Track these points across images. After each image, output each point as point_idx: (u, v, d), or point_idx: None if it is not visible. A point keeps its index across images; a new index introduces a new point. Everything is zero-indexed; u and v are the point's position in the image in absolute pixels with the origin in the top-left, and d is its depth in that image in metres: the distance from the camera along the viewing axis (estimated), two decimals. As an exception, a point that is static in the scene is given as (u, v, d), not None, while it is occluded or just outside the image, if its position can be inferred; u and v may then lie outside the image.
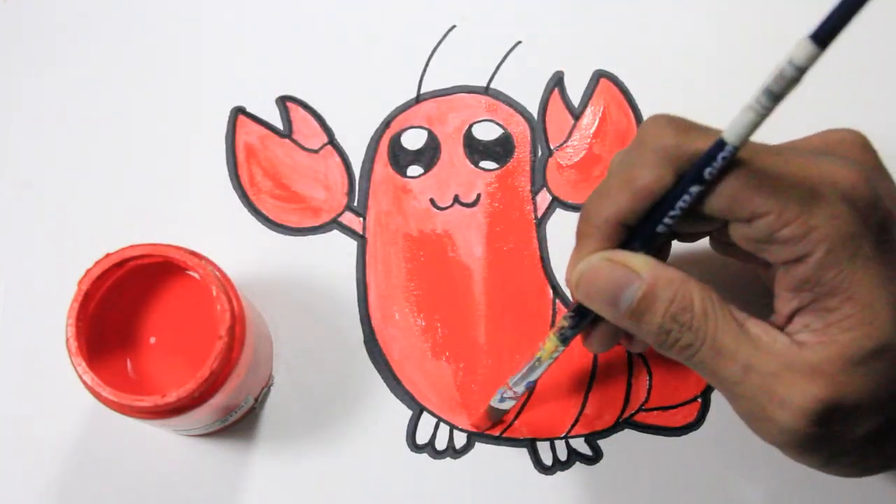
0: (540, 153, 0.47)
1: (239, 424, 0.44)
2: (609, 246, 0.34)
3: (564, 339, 0.38)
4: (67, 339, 0.37)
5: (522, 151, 0.47)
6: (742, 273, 0.40)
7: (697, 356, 0.33)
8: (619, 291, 0.33)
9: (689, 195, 0.32)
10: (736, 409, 0.34)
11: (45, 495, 0.43)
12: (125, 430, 0.43)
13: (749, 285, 0.39)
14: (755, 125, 0.29)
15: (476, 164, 0.47)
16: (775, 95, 0.27)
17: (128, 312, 0.40)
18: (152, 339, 0.40)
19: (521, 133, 0.48)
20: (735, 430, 0.44)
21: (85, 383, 0.37)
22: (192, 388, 0.36)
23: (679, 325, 0.33)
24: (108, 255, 0.38)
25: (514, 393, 0.41)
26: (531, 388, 0.42)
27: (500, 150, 0.47)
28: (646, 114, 0.48)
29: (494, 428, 0.44)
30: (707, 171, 0.31)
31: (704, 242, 0.39)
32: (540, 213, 0.47)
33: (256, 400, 0.43)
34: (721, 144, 0.30)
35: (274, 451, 0.44)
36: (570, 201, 0.47)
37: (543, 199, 0.47)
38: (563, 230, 0.46)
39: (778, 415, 0.32)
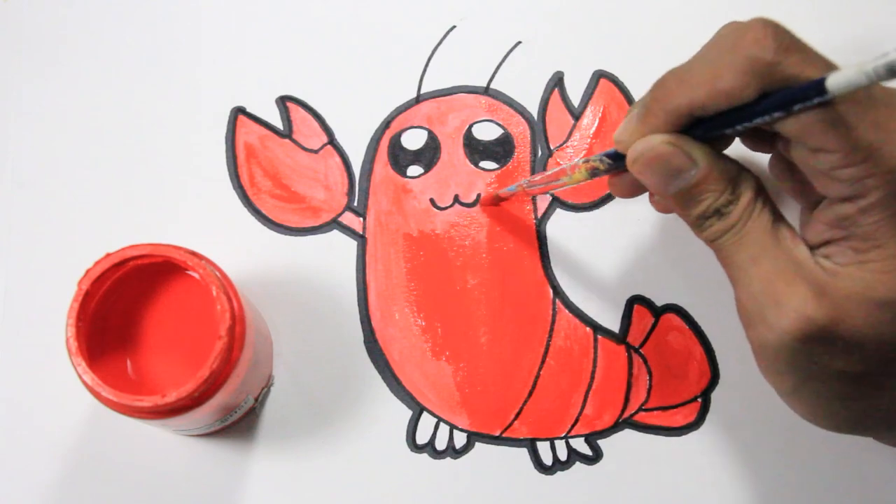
0: (540, 153, 0.47)
1: (239, 424, 0.44)
2: (672, 129, 0.34)
3: (594, 175, 0.38)
4: (67, 339, 0.37)
5: (522, 152, 0.47)
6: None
7: (720, 240, 0.34)
8: (674, 175, 0.33)
9: (770, 117, 0.31)
10: (737, 300, 0.34)
11: (45, 495, 0.43)
12: (125, 430, 0.43)
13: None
14: (860, 87, 0.28)
15: (476, 165, 0.47)
16: (894, 72, 0.27)
17: (128, 312, 0.40)
18: (152, 340, 0.40)
19: (521, 133, 0.48)
20: (735, 430, 0.44)
21: (85, 383, 0.37)
22: (192, 388, 0.36)
23: (719, 216, 0.33)
24: (108, 255, 0.38)
25: (522, 188, 0.42)
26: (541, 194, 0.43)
27: (500, 150, 0.47)
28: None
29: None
30: (796, 105, 0.30)
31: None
32: (540, 213, 0.47)
33: (256, 400, 0.43)
34: (821, 88, 0.29)
35: (274, 451, 0.44)
36: (570, 201, 0.47)
37: (543, 199, 0.47)
38: (563, 230, 0.46)
39: (772, 314, 0.32)
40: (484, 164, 0.47)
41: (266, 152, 0.47)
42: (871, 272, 0.31)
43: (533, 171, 0.47)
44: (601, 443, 0.44)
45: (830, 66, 0.31)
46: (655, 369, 0.45)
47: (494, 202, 0.46)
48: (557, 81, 0.48)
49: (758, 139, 0.36)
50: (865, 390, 0.34)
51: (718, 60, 0.32)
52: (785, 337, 0.32)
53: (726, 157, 0.34)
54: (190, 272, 0.39)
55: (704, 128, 0.33)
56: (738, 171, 0.33)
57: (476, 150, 0.47)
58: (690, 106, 0.33)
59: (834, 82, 0.29)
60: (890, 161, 0.31)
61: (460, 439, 0.44)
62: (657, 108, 0.34)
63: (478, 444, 0.44)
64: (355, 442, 0.44)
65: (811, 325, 0.31)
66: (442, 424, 0.44)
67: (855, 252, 0.32)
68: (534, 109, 0.48)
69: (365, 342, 0.45)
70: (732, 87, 0.31)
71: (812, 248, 0.33)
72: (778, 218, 0.34)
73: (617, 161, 0.36)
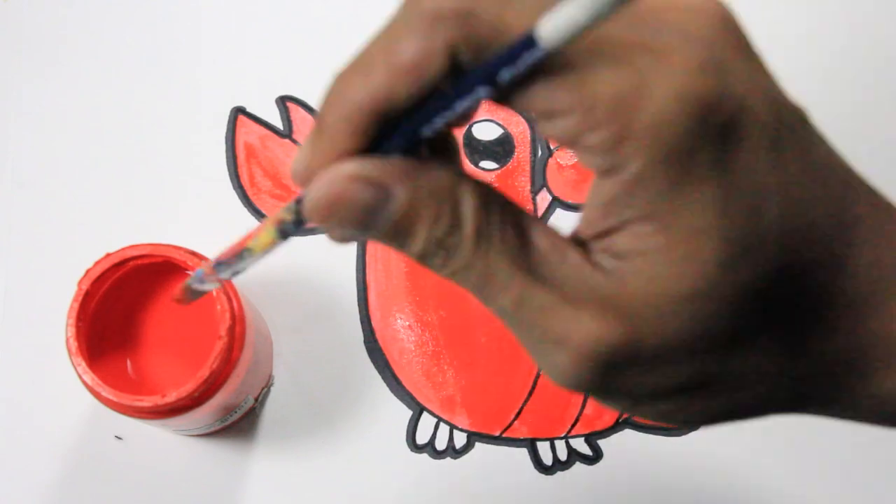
0: (540, 153, 0.47)
1: (239, 424, 0.44)
2: (358, 142, 0.25)
3: (285, 235, 0.28)
4: (67, 339, 0.37)
5: (522, 151, 0.47)
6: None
7: (467, 284, 0.26)
8: (370, 217, 0.24)
9: (473, 95, 0.22)
10: (520, 342, 0.26)
11: (45, 495, 0.43)
12: (125, 430, 0.43)
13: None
14: (585, 30, 0.20)
15: (476, 164, 0.47)
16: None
17: (128, 312, 0.40)
18: (152, 340, 0.40)
19: (521, 133, 0.48)
20: (735, 430, 0.44)
21: (85, 383, 0.37)
22: (192, 388, 0.36)
23: (445, 251, 0.25)
24: (108, 255, 0.38)
25: (218, 278, 0.31)
26: (229, 277, 0.32)
27: (500, 150, 0.47)
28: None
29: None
30: (503, 73, 0.21)
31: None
32: (540, 214, 0.47)
33: (256, 400, 0.43)
34: (530, 42, 0.21)
35: (274, 451, 0.44)
36: (570, 201, 0.47)
37: (543, 199, 0.47)
38: (563, 230, 0.46)
39: (554, 355, 0.25)
40: (484, 163, 0.47)
41: (266, 152, 0.47)
42: (664, 263, 0.23)
43: (533, 171, 0.47)
44: (601, 443, 0.44)
45: (542, 5, 0.22)
46: (655, 369, 0.45)
47: (186, 298, 0.33)
48: (557, 81, 0.48)
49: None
50: (712, 393, 0.26)
51: (393, 29, 0.24)
52: (580, 377, 0.25)
53: (433, 167, 0.24)
54: (190, 272, 0.39)
55: (400, 135, 0.24)
56: (454, 183, 0.24)
57: (476, 149, 0.47)
58: (372, 102, 0.24)
59: (545, 28, 0.20)
60: (646, 110, 0.22)
61: (460, 439, 0.44)
62: (332, 116, 0.25)
63: (478, 444, 0.44)
64: (355, 442, 0.44)
65: (604, 352, 0.24)
66: (442, 424, 0.44)
67: (639, 239, 0.24)
68: (534, 109, 0.48)
69: (365, 342, 0.45)
70: (412, 58, 0.23)
71: (591, 241, 0.25)
72: (529, 225, 0.25)
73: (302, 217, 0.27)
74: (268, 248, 0.29)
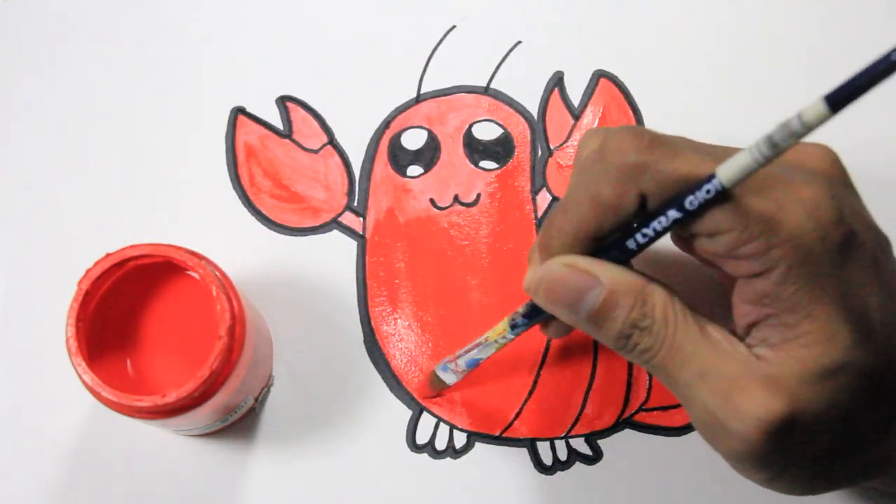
0: (540, 153, 0.47)
1: (239, 424, 0.44)
2: None
3: (514, 328, 0.38)
4: (67, 339, 0.37)
5: (522, 151, 0.47)
6: (704, 274, 0.40)
7: (655, 360, 0.32)
8: (579, 298, 0.32)
9: (667, 218, 0.31)
10: (692, 416, 0.33)
11: (45, 495, 0.43)
12: (125, 430, 0.43)
13: (711, 287, 0.39)
14: (751, 171, 0.28)
15: (476, 164, 0.47)
16: (776, 146, 0.27)
17: (128, 312, 0.40)
18: (152, 340, 0.40)
19: (521, 133, 0.48)
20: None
21: (85, 383, 0.37)
22: (192, 388, 0.36)
23: (640, 331, 0.32)
24: (108, 255, 0.38)
25: (457, 366, 0.41)
26: (473, 367, 0.42)
27: (500, 150, 0.47)
28: (645, 114, 0.48)
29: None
30: (688, 201, 0.30)
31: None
32: (540, 213, 0.47)
33: (256, 400, 0.43)
34: (710, 181, 0.29)
35: (274, 451, 0.44)
36: (570, 201, 0.47)
37: (543, 199, 0.47)
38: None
39: (733, 424, 0.31)
40: (484, 163, 0.47)
41: (266, 152, 0.47)
42: (811, 345, 0.30)
43: (533, 171, 0.47)
44: (601, 443, 0.44)
45: (701, 151, 0.31)
46: (655, 369, 0.45)
47: (434, 388, 0.44)
48: (557, 81, 0.48)
49: (680, 241, 0.35)
50: (840, 460, 0.33)
51: (592, 178, 0.32)
52: (753, 442, 0.31)
53: (630, 271, 0.33)
54: (190, 272, 0.39)
55: (609, 249, 0.33)
56: (646, 283, 0.32)
57: (476, 149, 0.47)
58: (583, 231, 0.32)
59: (723, 172, 0.29)
60: (787, 227, 0.30)
61: (460, 439, 0.44)
62: (553, 243, 0.33)
63: (478, 444, 0.44)
64: (355, 442, 0.44)
65: (777, 421, 0.30)
66: (442, 424, 0.44)
67: (787, 328, 0.31)
68: (534, 109, 0.48)
69: (365, 342, 0.45)
70: (611, 199, 0.31)
71: (745, 336, 0.32)
72: (702, 321, 0.32)
73: (534, 309, 0.36)
74: (500, 338, 0.39)
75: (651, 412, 0.44)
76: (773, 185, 0.30)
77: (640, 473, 0.44)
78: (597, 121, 0.48)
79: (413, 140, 0.47)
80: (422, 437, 0.44)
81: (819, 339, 0.30)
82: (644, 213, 0.32)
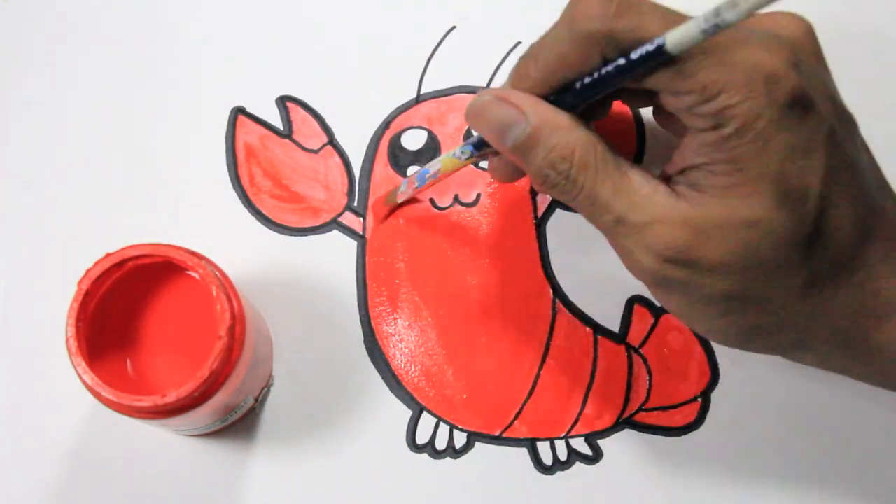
0: (540, 153, 0.47)
1: (239, 424, 0.44)
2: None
3: (464, 149, 0.40)
4: (67, 339, 0.37)
5: (522, 151, 0.47)
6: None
7: (574, 203, 0.35)
8: (506, 128, 0.35)
9: (613, 65, 0.33)
10: (613, 247, 0.36)
11: (45, 496, 0.43)
12: (125, 430, 0.43)
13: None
14: (695, 38, 0.30)
15: (476, 165, 0.47)
16: (719, 16, 0.29)
17: (128, 312, 0.40)
18: (152, 340, 0.40)
19: (521, 133, 0.48)
20: (735, 430, 0.44)
21: (85, 383, 0.37)
22: (192, 388, 0.36)
23: (556, 173, 0.34)
24: (108, 255, 0.38)
25: (411, 182, 0.44)
26: (422, 183, 0.43)
27: (500, 150, 0.47)
28: (645, 113, 0.47)
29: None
30: (634, 53, 0.32)
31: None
32: (540, 213, 0.47)
33: (256, 400, 0.43)
34: (661, 51, 0.31)
35: (274, 451, 0.44)
36: (570, 201, 0.47)
37: (543, 199, 0.47)
38: (563, 230, 0.46)
39: (640, 256, 0.34)
40: (484, 164, 0.47)
41: (266, 152, 0.47)
42: (733, 196, 0.33)
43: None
44: (601, 443, 0.44)
45: (666, 19, 0.32)
46: (655, 369, 0.45)
47: (386, 207, 0.46)
48: (557, 81, 0.48)
49: (632, 97, 0.38)
50: (747, 309, 0.35)
51: (560, 37, 0.34)
52: (657, 273, 0.34)
53: (566, 115, 0.35)
54: (190, 272, 0.39)
55: (565, 95, 0.35)
56: (572, 126, 0.34)
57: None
58: (548, 82, 0.35)
59: (671, 41, 0.31)
60: (744, 89, 0.31)
61: (460, 439, 0.44)
62: (520, 87, 0.36)
63: (478, 444, 0.44)
64: (355, 442, 0.44)
65: (675, 255, 0.33)
66: (442, 424, 0.44)
67: (716, 176, 0.33)
68: (534, 109, 0.48)
69: (365, 342, 0.45)
70: (575, 60, 0.34)
71: (676, 174, 0.35)
72: (625, 167, 0.35)
73: (481, 141, 0.38)
74: (455, 164, 0.41)
75: (651, 412, 0.44)
76: (732, 48, 0.32)
77: (640, 473, 0.44)
78: (597, 121, 0.48)
79: (413, 140, 0.47)
80: (422, 437, 0.44)
81: (743, 192, 0.32)
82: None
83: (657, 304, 0.45)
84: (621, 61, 0.33)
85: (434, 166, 0.42)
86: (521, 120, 0.34)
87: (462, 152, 0.40)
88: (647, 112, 0.47)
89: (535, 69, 0.35)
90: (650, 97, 0.35)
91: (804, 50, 0.34)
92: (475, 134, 0.38)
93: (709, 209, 0.33)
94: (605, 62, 0.33)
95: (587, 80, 0.34)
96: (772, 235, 0.33)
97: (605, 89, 0.34)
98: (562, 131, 0.34)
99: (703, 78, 0.32)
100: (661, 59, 0.32)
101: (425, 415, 0.44)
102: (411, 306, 0.45)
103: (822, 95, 0.33)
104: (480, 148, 0.39)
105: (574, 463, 0.44)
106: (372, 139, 0.48)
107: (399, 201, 0.45)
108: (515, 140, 0.35)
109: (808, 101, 0.32)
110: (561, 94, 0.35)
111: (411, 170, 0.47)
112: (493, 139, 0.36)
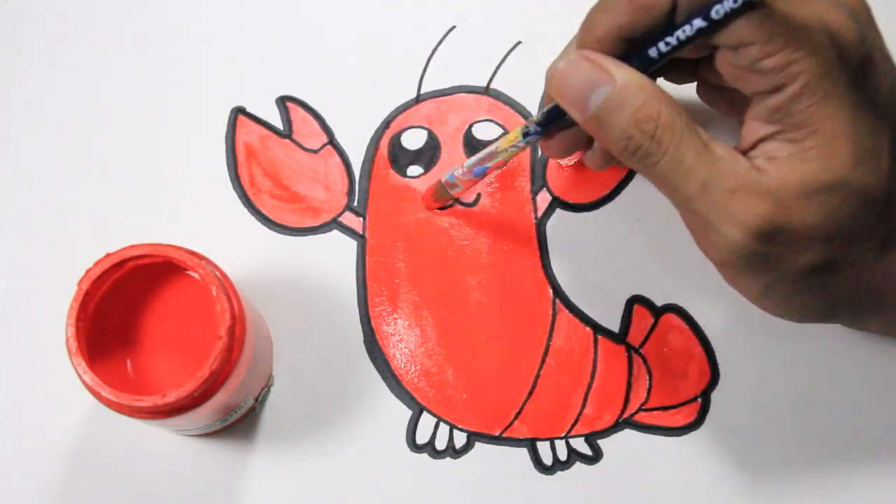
0: (540, 153, 0.47)
1: (239, 424, 0.44)
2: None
3: (526, 136, 0.39)
4: (67, 339, 0.37)
5: (523, 151, 0.47)
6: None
7: (657, 167, 0.33)
8: (590, 89, 0.33)
9: (692, 27, 0.32)
10: (687, 223, 0.35)
11: (45, 496, 0.43)
12: (125, 430, 0.43)
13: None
14: None
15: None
16: None
17: (128, 312, 0.40)
18: (152, 340, 0.40)
19: (521, 133, 0.48)
20: (735, 430, 0.44)
21: (85, 383, 0.37)
22: (192, 388, 0.36)
23: (641, 133, 0.33)
24: (108, 255, 0.38)
25: (463, 173, 0.43)
26: (480, 176, 0.43)
27: (500, 150, 0.47)
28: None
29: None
30: (714, 10, 0.31)
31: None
32: (540, 213, 0.47)
33: (256, 400, 0.43)
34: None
35: (274, 451, 0.44)
36: (570, 201, 0.47)
37: (543, 199, 0.47)
38: (563, 230, 0.46)
39: (726, 229, 0.32)
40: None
41: (266, 152, 0.47)
42: (811, 160, 0.32)
43: (533, 171, 0.47)
44: (601, 443, 0.44)
45: None
46: (655, 369, 0.45)
47: (439, 199, 0.46)
48: (557, 81, 0.48)
49: (681, 72, 0.38)
50: (833, 278, 0.34)
51: None
52: (743, 248, 0.32)
53: (647, 78, 0.34)
54: (190, 272, 0.39)
55: (632, 57, 0.34)
56: (658, 90, 0.33)
57: (476, 149, 0.47)
58: (618, 29, 0.34)
59: None
60: (809, 44, 0.31)
61: (460, 439, 0.44)
62: (588, 39, 0.35)
63: (478, 444, 0.44)
64: (355, 442, 0.44)
65: (765, 227, 0.32)
66: (442, 424, 0.44)
67: (792, 143, 0.32)
68: (534, 109, 0.48)
69: (365, 342, 0.45)
70: (650, 1, 0.33)
71: (749, 150, 0.33)
72: (706, 136, 0.33)
73: (551, 113, 0.37)
74: (511, 146, 0.40)
75: (651, 412, 0.44)
76: (800, 4, 0.31)
77: (640, 473, 0.44)
78: (597, 121, 0.48)
79: (413, 140, 0.47)
80: (422, 437, 0.44)
81: (820, 155, 0.31)
82: (672, 28, 0.33)
83: (657, 304, 0.45)
84: (700, 21, 0.32)
85: (491, 157, 0.41)
86: (607, 80, 0.33)
87: (524, 135, 0.39)
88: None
89: (606, 17, 0.34)
90: (694, 71, 0.35)
91: (863, 16, 0.34)
92: (532, 117, 0.37)
93: (790, 178, 0.32)
94: (689, 17, 0.32)
95: (670, 38, 0.33)
96: (855, 197, 0.32)
97: (680, 48, 0.33)
98: (647, 91, 0.33)
99: (771, 25, 0.31)
100: (743, 7, 0.31)
101: (425, 415, 0.44)
102: (411, 306, 0.45)
103: (882, 57, 0.33)
104: (547, 126, 0.38)
105: (574, 463, 0.44)
106: (372, 139, 0.48)
107: (456, 197, 0.45)
108: (599, 102, 0.33)
109: (871, 60, 0.32)
110: (631, 57, 0.34)
111: (414, 169, 0.47)
112: (576, 104, 0.34)
